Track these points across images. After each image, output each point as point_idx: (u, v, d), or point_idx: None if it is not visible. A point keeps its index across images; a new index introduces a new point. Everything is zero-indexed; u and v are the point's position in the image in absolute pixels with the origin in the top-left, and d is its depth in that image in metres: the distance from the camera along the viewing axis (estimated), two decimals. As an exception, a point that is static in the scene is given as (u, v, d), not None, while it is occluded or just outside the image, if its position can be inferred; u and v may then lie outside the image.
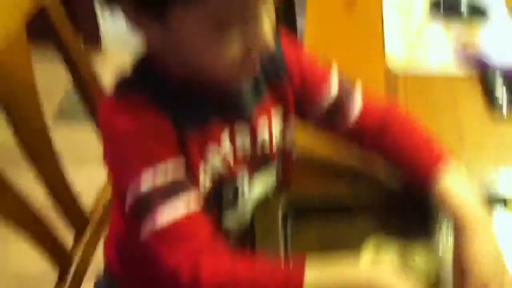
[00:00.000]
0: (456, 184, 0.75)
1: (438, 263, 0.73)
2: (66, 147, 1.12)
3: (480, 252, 0.69)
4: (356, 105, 0.83)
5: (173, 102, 0.68)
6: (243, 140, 0.75)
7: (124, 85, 0.70)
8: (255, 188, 0.82)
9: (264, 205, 0.81)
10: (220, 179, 0.75)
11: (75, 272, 1.00)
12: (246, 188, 0.80)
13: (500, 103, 0.98)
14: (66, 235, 1.01)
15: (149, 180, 0.66)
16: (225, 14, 0.61)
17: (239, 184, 0.78)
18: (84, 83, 1.00)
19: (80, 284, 1.01)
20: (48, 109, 1.02)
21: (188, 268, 0.65)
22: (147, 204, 0.66)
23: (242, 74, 0.70)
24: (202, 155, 0.71)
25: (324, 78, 0.82)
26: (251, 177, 0.80)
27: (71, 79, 0.99)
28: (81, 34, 0.96)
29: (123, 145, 0.68)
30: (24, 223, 0.88)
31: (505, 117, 0.97)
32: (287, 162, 0.86)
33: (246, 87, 0.75)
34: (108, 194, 1.10)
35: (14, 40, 0.82)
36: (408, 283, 0.66)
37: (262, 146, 0.78)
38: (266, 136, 0.78)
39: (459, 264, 0.69)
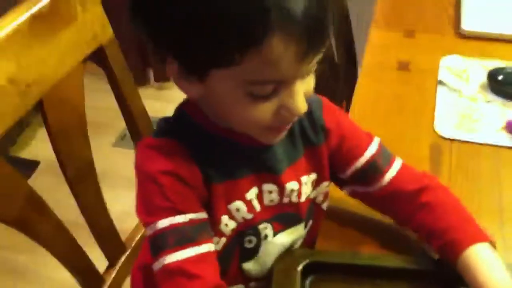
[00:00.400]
0: (483, 257, 0.74)
1: None
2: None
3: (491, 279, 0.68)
4: (393, 170, 0.83)
5: (205, 152, 0.72)
6: (271, 196, 0.79)
7: (159, 130, 0.74)
8: (282, 237, 0.83)
9: (285, 258, 0.81)
10: (244, 225, 0.78)
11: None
12: (270, 239, 0.81)
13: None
14: (100, 258, 1.05)
15: (166, 222, 0.70)
16: (259, 78, 0.64)
17: (262, 233, 0.80)
18: (133, 118, 1.05)
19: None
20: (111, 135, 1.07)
21: None
22: (162, 243, 0.70)
23: (272, 137, 0.73)
24: (226, 208, 0.75)
25: (364, 141, 0.84)
26: (277, 228, 0.81)
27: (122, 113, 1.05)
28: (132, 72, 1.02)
29: (144, 189, 0.72)
30: (60, 245, 0.92)
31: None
32: (317, 217, 0.87)
33: (281, 147, 0.77)
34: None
35: (71, 75, 0.88)
36: None
37: (290, 199, 0.80)
38: (295, 190, 0.80)
39: None
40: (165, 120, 0.76)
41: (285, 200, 0.80)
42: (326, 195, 0.86)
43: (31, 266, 1.68)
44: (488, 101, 1.13)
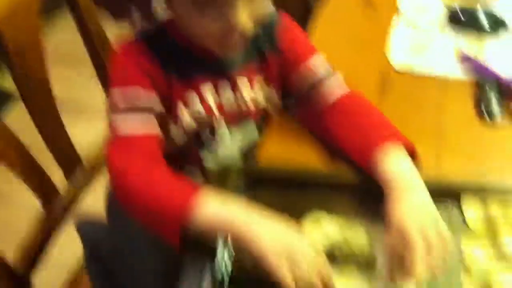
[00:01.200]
0: (395, 159, 0.79)
1: (374, 239, 0.75)
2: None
3: (413, 210, 0.72)
4: (331, 87, 0.91)
5: (169, 57, 0.84)
6: (227, 94, 0.89)
7: (141, 34, 0.86)
8: (236, 138, 0.92)
9: (220, 173, 0.86)
10: (202, 122, 0.88)
11: (62, 205, 1.07)
12: (226, 136, 0.91)
13: (489, 110, 0.98)
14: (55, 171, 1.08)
15: (120, 94, 0.81)
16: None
17: (219, 130, 0.90)
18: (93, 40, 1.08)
19: (62, 217, 1.08)
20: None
21: (121, 169, 0.77)
22: (115, 111, 0.80)
23: (225, 48, 0.82)
24: (183, 99, 0.86)
25: (309, 53, 0.92)
26: (232, 126, 0.91)
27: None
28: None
29: (113, 75, 0.85)
30: (15, 160, 0.96)
31: (492, 123, 0.96)
32: (267, 121, 0.96)
33: (237, 57, 0.87)
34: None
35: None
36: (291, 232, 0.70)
37: (244, 102, 0.90)
38: (247, 94, 0.89)
39: (392, 224, 0.72)
40: (145, 29, 0.86)
41: (238, 96, 0.90)
42: (276, 107, 0.95)
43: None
44: (442, 34, 1.16)
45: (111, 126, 0.81)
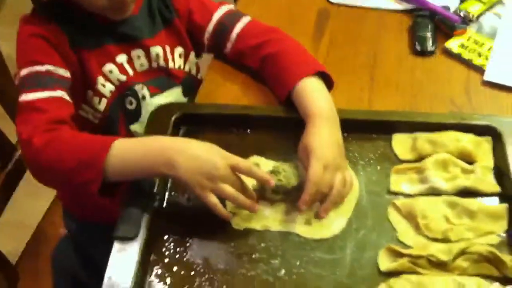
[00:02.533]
0: (312, 88, 0.82)
1: (299, 180, 0.77)
2: None
3: (325, 140, 0.76)
4: (238, 27, 0.92)
5: (72, 25, 0.83)
6: (140, 60, 0.89)
7: (39, 7, 0.84)
8: (160, 99, 0.90)
9: (159, 110, 0.86)
10: (121, 87, 0.87)
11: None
12: (148, 100, 0.89)
13: (424, 38, 0.99)
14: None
15: (27, 68, 0.79)
16: None
17: (140, 94, 0.89)
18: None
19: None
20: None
21: (26, 134, 0.73)
22: (23, 85, 0.78)
23: (114, 13, 0.83)
24: (100, 71, 0.85)
25: (212, 8, 0.93)
26: (152, 90, 0.89)
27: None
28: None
29: (18, 46, 0.82)
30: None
31: (426, 51, 0.98)
32: (193, 85, 0.95)
33: (139, 21, 0.87)
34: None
35: None
36: (204, 147, 0.72)
37: (158, 63, 0.90)
38: (160, 56, 0.89)
39: (305, 149, 0.75)
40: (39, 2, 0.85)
41: (154, 64, 0.90)
42: (198, 67, 0.97)
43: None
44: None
45: (18, 105, 0.78)
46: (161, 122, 0.84)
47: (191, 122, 0.86)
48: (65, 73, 0.81)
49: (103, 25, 0.85)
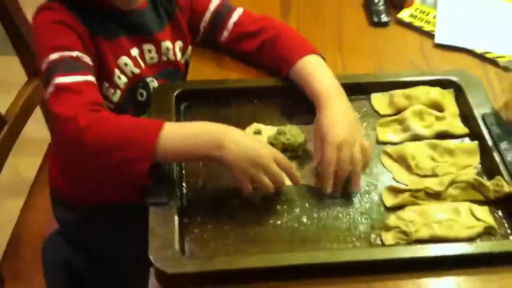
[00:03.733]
0: (314, 65, 0.90)
1: (305, 137, 0.86)
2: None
3: (336, 119, 0.83)
4: (234, 16, 0.99)
5: (87, 14, 0.86)
6: (150, 52, 0.94)
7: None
8: None
9: (160, 89, 0.92)
10: (134, 79, 0.92)
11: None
12: None
13: (379, 12, 1.12)
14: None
15: (57, 52, 0.81)
16: None
17: (150, 86, 0.94)
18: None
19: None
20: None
21: (69, 113, 0.76)
22: (53, 69, 0.80)
23: (125, 2, 0.88)
24: (115, 62, 0.90)
25: (207, 3, 1.00)
26: (161, 82, 0.95)
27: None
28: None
29: (41, 34, 0.85)
30: None
31: (382, 23, 1.11)
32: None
33: (146, 13, 0.92)
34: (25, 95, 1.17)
35: None
36: (250, 136, 0.79)
37: (167, 57, 0.95)
38: (170, 50, 0.95)
39: (319, 132, 0.83)
40: None
41: (164, 58, 0.95)
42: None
43: None
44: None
45: (50, 84, 0.80)
46: (164, 99, 0.90)
47: (190, 98, 0.93)
48: (90, 61, 0.84)
49: (116, 15, 0.89)
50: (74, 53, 0.82)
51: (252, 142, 0.78)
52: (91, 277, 1.05)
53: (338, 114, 0.83)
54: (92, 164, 0.79)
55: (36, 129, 1.25)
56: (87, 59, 0.84)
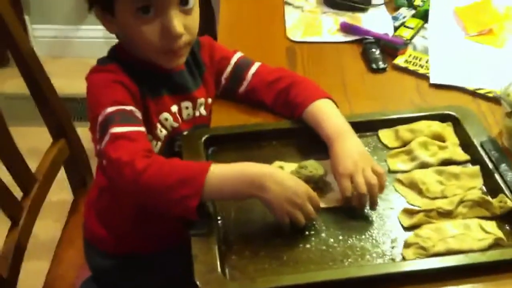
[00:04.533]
0: (324, 108, 1.00)
1: (324, 170, 0.95)
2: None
3: (345, 152, 0.93)
4: (253, 68, 1.10)
5: (136, 74, 0.96)
6: (187, 109, 1.04)
7: (102, 60, 0.99)
8: None
9: (189, 136, 1.02)
10: (173, 132, 1.02)
11: (25, 220, 1.15)
12: None
13: (376, 60, 1.23)
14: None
15: (113, 106, 0.90)
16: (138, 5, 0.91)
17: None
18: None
19: (31, 229, 1.16)
20: None
21: (127, 157, 0.85)
22: (110, 121, 0.89)
23: (165, 56, 0.96)
24: (157, 116, 1.00)
25: (230, 54, 1.11)
26: None
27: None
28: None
29: (97, 90, 0.94)
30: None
31: (380, 69, 1.22)
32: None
33: (185, 73, 1.04)
34: (51, 156, 1.26)
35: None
36: (288, 176, 0.87)
37: (200, 112, 1.06)
38: (202, 106, 1.06)
39: (335, 166, 0.93)
40: (102, 58, 1.00)
41: (197, 113, 1.06)
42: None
43: None
44: (324, 13, 1.41)
45: (106, 134, 0.88)
46: (194, 145, 1.00)
47: (216, 143, 1.02)
48: (140, 116, 0.94)
49: (162, 76, 0.99)
50: (129, 108, 0.91)
51: (290, 181, 0.87)
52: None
53: (347, 147, 0.93)
54: (147, 202, 0.88)
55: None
56: (138, 114, 0.93)
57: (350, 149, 0.93)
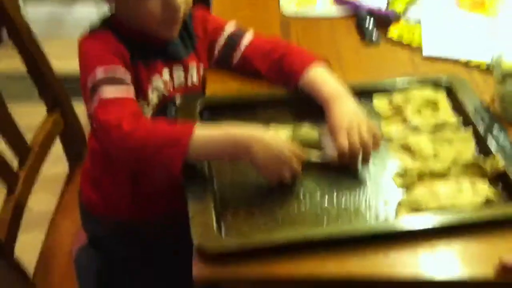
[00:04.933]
0: (320, 74, 1.02)
1: (318, 134, 0.96)
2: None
3: (342, 111, 0.95)
4: (246, 39, 1.11)
5: (129, 42, 0.97)
6: (179, 75, 1.05)
7: (94, 26, 1.00)
8: None
9: (184, 105, 1.03)
10: (163, 99, 1.02)
11: (21, 189, 1.15)
12: None
13: (369, 33, 1.25)
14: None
15: (102, 71, 0.91)
16: None
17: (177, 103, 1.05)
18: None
19: (27, 198, 1.17)
20: None
21: (115, 121, 0.87)
22: (99, 86, 0.90)
23: (166, 27, 0.98)
24: (149, 81, 1.00)
25: (223, 24, 1.12)
26: None
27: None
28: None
29: (87, 55, 0.95)
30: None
31: (373, 42, 1.24)
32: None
33: (178, 43, 1.05)
34: (46, 128, 1.27)
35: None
36: (273, 136, 0.89)
37: (192, 79, 1.07)
38: (194, 74, 1.07)
39: (330, 126, 0.94)
40: (94, 24, 1.00)
41: (189, 81, 1.07)
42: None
43: None
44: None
45: (95, 98, 0.90)
46: (189, 111, 1.01)
47: (211, 111, 1.03)
48: (130, 81, 0.95)
49: (155, 46, 1.01)
50: (118, 72, 0.93)
51: (275, 141, 0.88)
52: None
53: (344, 108, 0.95)
54: (137, 164, 0.90)
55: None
56: (128, 78, 0.95)
57: (347, 109, 0.96)
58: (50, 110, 1.29)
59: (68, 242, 1.18)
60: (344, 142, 0.91)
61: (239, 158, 0.88)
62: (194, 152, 0.86)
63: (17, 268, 1.06)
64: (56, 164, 1.39)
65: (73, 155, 1.36)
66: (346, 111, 0.95)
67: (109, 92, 0.91)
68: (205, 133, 0.88)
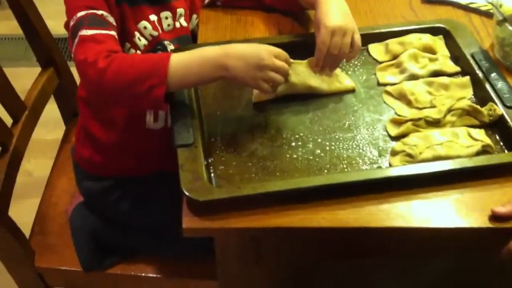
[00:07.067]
0: None
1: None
2: None
3: (332, 10, 0.93)
4: None
5: None
6: (167, 19, 1.02)
7: None
8: None
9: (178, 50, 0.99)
10: (153, 41, 1.00)
11: (15, 146, 1.15)
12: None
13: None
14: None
15: (84, 12, 0.89)
16: None
17: (168, 49, 1.02)
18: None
19: (21, 158, 1.16)
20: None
21: (91, 58, 0.84)
22: (80, 25, 0.88)
23: None
24: (136, 26, 0.98)
25: None
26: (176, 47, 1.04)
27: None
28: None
29: None
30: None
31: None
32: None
33: None
34: (40, 84, 1.25)
35: None
36: (246, 45, 0.88)
37: (180, 23, 1.04)
38: (182, 18, 1.04)
39: (316, 22, 0.93)
40: None
41: (177, 24, 1.04)
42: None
43: None
44: None
45: (76, 39, 0.88)
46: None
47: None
48: (113, 22, 0.92)
49: None
50: (100, 12, 0.90)
51: (251, 48, 0.87)
52: (117, 245, 1.12)
53: (333, 7, 0.94)
54: (115, 100, 0.88)
55: (41, 133, 1.33)
56: (111, 19, 0.92)
57: (337, 7, 0.95)
58: (44, 68, 1.27)
59: (64, 201, 1.18)
60: (326, 41, 0.90)
61: (219, 77, 0.87)
62: (173, 79, 0.85)
63: (11, 226, 1.06)
64: (56, 130, 1.39)
65: (68, 112, 1.35)
66: (337, 9, 0.94)
67: (90, 30, 0.88)
68: (182, 58, 0.86)
